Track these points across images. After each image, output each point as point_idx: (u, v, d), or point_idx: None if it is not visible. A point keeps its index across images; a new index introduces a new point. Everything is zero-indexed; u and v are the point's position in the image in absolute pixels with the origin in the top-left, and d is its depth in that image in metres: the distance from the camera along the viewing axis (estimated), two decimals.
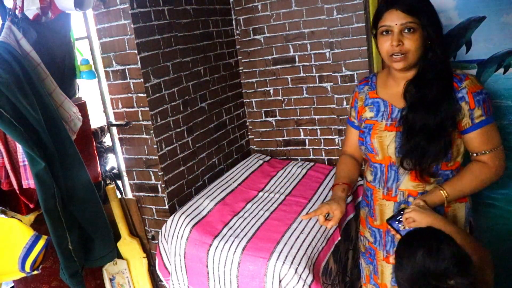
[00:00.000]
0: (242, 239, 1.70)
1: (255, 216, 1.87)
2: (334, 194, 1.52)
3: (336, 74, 2.26)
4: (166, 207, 1.99)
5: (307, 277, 1.55)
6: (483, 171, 1.34)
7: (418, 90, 1.33)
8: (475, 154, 1.36)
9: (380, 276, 1.56)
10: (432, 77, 1.32)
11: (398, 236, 1.30)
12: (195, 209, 1.92)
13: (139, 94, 1.88)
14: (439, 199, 1.33)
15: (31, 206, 1.67)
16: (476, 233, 2.08)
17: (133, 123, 1.94)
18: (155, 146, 1.92)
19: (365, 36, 2.12)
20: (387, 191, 1.46)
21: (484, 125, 1.32)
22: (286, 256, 1.58)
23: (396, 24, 1.30)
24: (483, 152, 1.34)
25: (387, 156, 1.43)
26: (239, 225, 1.81)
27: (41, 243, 1.51)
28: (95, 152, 1.97)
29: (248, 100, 2.60)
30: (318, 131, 2.43)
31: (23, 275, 1.54)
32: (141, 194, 2.05)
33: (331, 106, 2.33)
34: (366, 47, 2.14)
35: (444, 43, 1.34)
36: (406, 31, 1.29)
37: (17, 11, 1.61)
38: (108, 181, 2.08)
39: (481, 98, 1.31)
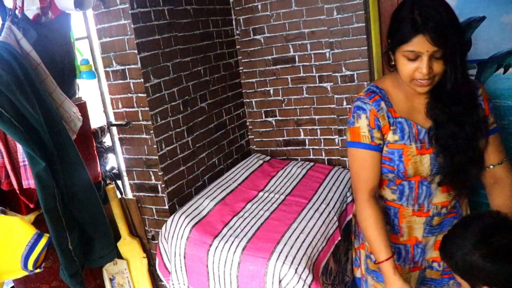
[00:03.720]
0: (242, 239, 1.70)
1: (255, 216, 1.87)
2: (394, 280, 1.26)
3: (336, 74, 2.26)
4: (166, 207, 1.99)
5: (307, 277, 1.55)
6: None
7: (444, 106, 1.24)
8: (491, 166, 1.32)
9: None
10: (454, 88, 1.21)
11: None
12: (195, 209, 1.92)
13: (139, 94, 1.88)
14: None
15: (31, 206, 1.67)
16: None
17: (133, 123, 1.94)
18: (155, 146, 1.92)
19: (365, 36, 2.12)
20: (418, 208, 1.36)
21: (496, 132, 1.31)
22: (286, 256, 1.58)
23: (427, 51, 1.14)
24: (499, 162, 1.31)
25: (418, 175, 1.32)
26: (239, 225, 1.81)
27: (43, 241, 1.51)
28: (95, 152, 1.97)
29: (248, 100, 2.60)
30: (318, 131, 2.43)
31: (26, 273, 1.54)
32: (141, 194, 2.05)
33: (331, 106, 2.33)
34: (366, 47, 2.14)
35: (465, 56, 1.23)
36: (436, 56, 1.16)
37: (17, 11, 1.61)
38: (108, 181, 2.08)
39: (492, 106, 1.31)
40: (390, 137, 1.30)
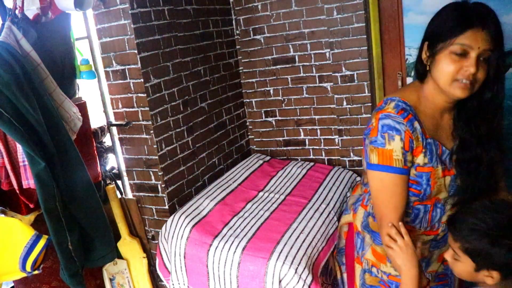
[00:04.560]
0: (242, 239, 1.70)
1: (255, 216, 1.87)
2: None
3: (336, 74, 2.26)
4: (166, 207, 1.99)
5: (307, 277, 1.55)
6: None
7: (474, 125, 1.20)
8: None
9: None
10: (486, 104, 1.17)
11: None
12: (195, 209, 1.92)
13: (139, 94, 1.88)
14: None
15: (31, 206, 1.67)
16: None
17: (133, 123, 1.94)
18: (155, 146, 1.92)
19: (365, 36, 2.13)
20: (430, 228, 1.31)
21: None
22: (286, 256, 1.58)
23: (478, 48, 1.08)
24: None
25: (435, 197, 1.27)
26: (239, 225, 1.81)
27: (41, 243, 1.51)
28: (95, 152, 1.97)
29: (248, 100, 2.60)
30: (318, 131, 2.43)
31: (24, 275, 1.54)
32: (141, 194, 2.05)
33: (331, 106, 2.33)
34: (366, 47, 2.14)
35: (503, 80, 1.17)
36: (481, 59, 1.10)
37: (17, 11, 1.61)
38: (108, 181, 2.08)
39: None
40: (421, 159, 1.20)
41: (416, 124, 1.19)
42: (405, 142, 1.17)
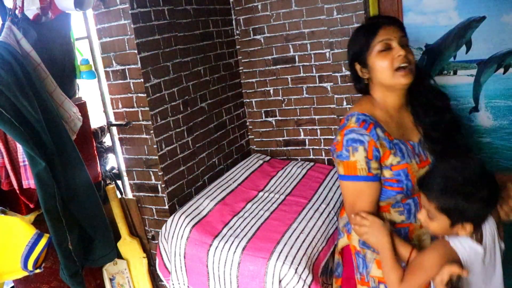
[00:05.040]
0: (242, 239, 1.70)
1: (255, 216, 1.87)
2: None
3: (336, 74, 2.26)
4: (166, 207, 1.99)
5: (307, 277, 1.55)
6: None
7: (427, 116, 1.34)
8: None
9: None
10: (427, 96, 1.34)
11: None
12: (195, 209, 1.92)
13: (139, 94, 1.88)
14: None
15: (31, 206, 1.67)
16: None
17: (133, 123, 1.94)
18: (155, 146, 1.92)
19: None
20: None
21: None
22: (286, 256, 1.58)
23: (395, 37, 1.27)
24: None
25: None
26: (239, 225, 1.81)
27: (43, 241, 1.51)
28: (95, 152, 1.97)
29: (248, 100, 2.60)
30: (318, 131, 2.43)
31: (26, 273, 1.54)
32: (141, 194, 2.05)
33: (331, 106, 2.33)
34: None
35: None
36: (402, 45, 1.28)
37: (17, 11, 1.61)
38: (108, 181, 2.08)
39: None
40: (392, 160, 1.29)
41: (379, 131, 1.29)
42: (369, 151, 1.26)
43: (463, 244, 1.11)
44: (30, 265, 1.50)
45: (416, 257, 1.18)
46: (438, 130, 1.33)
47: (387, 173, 1.30)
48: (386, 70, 1.28)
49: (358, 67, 1.36)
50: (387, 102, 1.35)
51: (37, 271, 1.54)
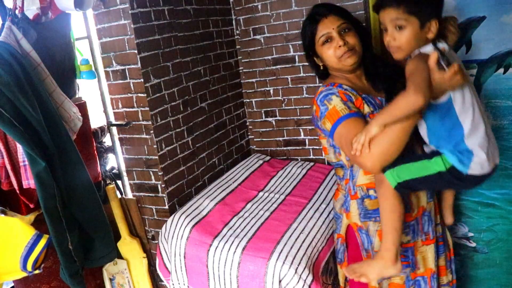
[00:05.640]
0: (242, 239, 1.70)
1: (255, 216, 1.87)
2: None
3: None
4: (166, 207, 1.99)
5: (307, 277, 1.55)
6: None
7: (379, 84, 1.47)
8: None
9: (422, 264, 1.48)
10: (375, 65, 1.48)
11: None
12: (195, 209, 1.92)
13: (139, 94, 1.88)
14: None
15: (31, 206, 1.67)
16: (475, 234, 2.08)
17: (133, 123, 1.94)
18: (155, 146, 1.92)
19: None
20: None
21: None
22: (286, 256, 1.58)
23: (333, 29, 1.40)
24: None
25: None
26: (239, 225, 1.81)
27: (42, 242, 1.51)
28: (95, 152, 1.97)
29: (248, 100, 2.60)
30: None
31: (25, 274, 1.54)
32: (141, 194, 2.05)
33: None
34: None
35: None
36: (343, 32, 1.41)
37: (17, 11, 1.61)
38: (108, 181, 2.08)
39: None
40: (367, 108, 1.39)
41: (346, 87, 1.42)
42: (341, 96, 1.38)
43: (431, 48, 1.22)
44: (29, 266, 1.50)
45: (407, 73, 1.21)
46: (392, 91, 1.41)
47: (367, 120, 1.37)
48: (331, 59, 1.43)
49: (313, 58, 1.52)
50: (345, 74, 1.48)
51: (36, 272, 1.54)
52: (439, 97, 1.20)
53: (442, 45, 1.24)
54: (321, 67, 1.52)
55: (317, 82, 2.33)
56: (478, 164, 1.22)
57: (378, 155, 1.23)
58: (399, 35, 1.22)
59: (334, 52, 1.40)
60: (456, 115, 1.21)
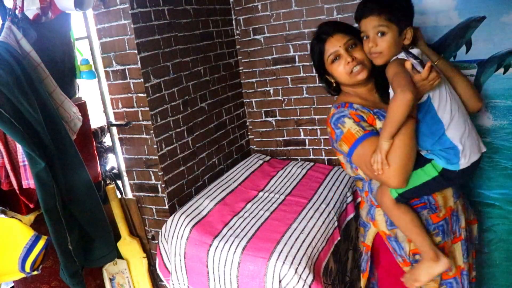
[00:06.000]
0: (242, 239, 1.70)
1: (255, 216, 1.87)
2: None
3: None
4: (166, 207, 1.99)
5: (307, 277, 1.55)
6: None
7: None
8: None
9: (453, 265, 1.51)
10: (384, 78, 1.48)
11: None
12: (195, 209, 1.92)
13: (139, 94, 1.88)
14: None
15: (31, 206, 1.67)
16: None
17: (133, 123, 1.94)
18: (155, 146, 1.92)
19: None
20: None
21: None
22: (286, 256, 1.58)
23: (340, 47, 1.45)
24: None
25: None
26: (239, 225, 1.81)
27: (41, 243, 1.50)
28: (95, 152, 1.97)
29: (248, 100, 2.60)
30: (318, 131, 2.43)
31: (23, 275, 1.54)
32: (141, 194, 2.05)
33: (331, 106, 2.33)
34: None
35: None
36: (350, 48, 1.45)
37: (17, 11, 1.61)
38: (108, 181, 2.08)
39: None
40: (379, 124, 1.41)
41: (357, 106, 1.44)
42: (353, 118, 1.41)
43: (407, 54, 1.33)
44: (27, 267, 1.50)
45: (389, 77, 1.30)
46: None
47: None
48: (343, 75, 1.46)
49: (325, 77, 1.56)
50: (358, 92, 1.51)
51: (35, 273, 1.54)
52: (421, 98, 1.29)
53: (416, 51, 1.36)
54: (334, 84, 1.56)
55: (317, 82, 2.34)
56: (463, 156, 1.31)
57: (398, 167, 1.28)
58: (381, 41, 1.32)
59: (344, 68, 1.44)
60: (435, 111, 1.30)
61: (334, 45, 1.45)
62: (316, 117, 2.40)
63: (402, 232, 1.43)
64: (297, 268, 1.55)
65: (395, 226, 1.46)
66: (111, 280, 2.11)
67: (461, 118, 1.32)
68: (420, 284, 1.40)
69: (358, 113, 1.42)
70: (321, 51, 1.49)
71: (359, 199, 1.95)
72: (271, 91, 2.49)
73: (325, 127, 2.38)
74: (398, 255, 1.50)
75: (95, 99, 2.06)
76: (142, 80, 1.85)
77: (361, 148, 1.36)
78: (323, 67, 1.52)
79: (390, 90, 1.35)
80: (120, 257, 2.08)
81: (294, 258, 1.57)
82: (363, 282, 1.65)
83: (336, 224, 1.83)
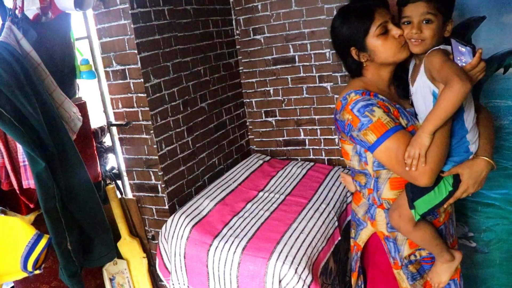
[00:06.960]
0: (242, 239, 1.70)
1: (255, 216, 1.87)
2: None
3: (336, 74, 2.26)
4: (166, 207, 1.99)
5: (306, 277, 1.55)
6: None
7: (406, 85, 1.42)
8: None
9: None
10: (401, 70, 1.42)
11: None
12: (195, 209, 1.92)
13: (139, 94, 1.88)
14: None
15: (31, 206, 1.67)
16: (475, 234, 2.08)
17: (133, 123, 1.94)
18: (155, 146, 1.92)
19: None
20: None
21: None
22: (286, 256, 1.58)
23: (389, 18, 1.32)
24: None
25: None
26: (239, 225, 1.81)
27: (43, 242, 1.50)
28: (95, 152, 1.97)
29: (248, 100, 2.60)
30: (318, 131, 2.43)
31: (25, 274, 1.53)
32: (141, 194, 2.05)
33: (331, 106, 2.33)
34: None
35: None
36: (396, 24, 1.33)
37: (17, 11, 1.61)
38: (108, 181, 2.08)
39: None
40: (402, 121, 1.31)
41: (382, 97, 1.33)
42: (383, 108, 1.28)
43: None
44: (29, 266, 1.50)
45: (433, 68, 1.22)
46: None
47: None
48: (391, 48, 1.31)
49: (354, 51, 1.37)
50: (381, 76, 1.39)
51: (37, 272, 1.54)
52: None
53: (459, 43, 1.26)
54: (364, 63, 1.38)
55: (317, 82, 2.34)
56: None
57: (434, 166, 1.21)
58: (426, 28, 1.25)
59: (396, 42, 1.30)
60: (463, 111, 1.26)
61: (384, 16, 1.30)
62: (316, 117, 2.40)
63: (422, 246, 1.41)
64: (297, 268, 1.55)
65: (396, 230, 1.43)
66: (111, 280, 2.11)
67: (474, 120, 1.29)
68: (445, 283, 1.44)
69: (385, 104, 1.30)
70: (365, 23, 1.31)
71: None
72: (271, 91, 2.50)
73: (325, 127, 2.39)
74: (391, 257, 1.45)
75: (95, 99, 2.06)
76: (142, 80, 1.85)
77: (392, 140, 1.24)
78: (358, 41, 1.34)
79: (411, 87, 1.33)
80: (120, 257, 2.08)
81: (294, 258, 1.57)
82: (353, 281, 1.58)
83: (336, 224, 1.83)
